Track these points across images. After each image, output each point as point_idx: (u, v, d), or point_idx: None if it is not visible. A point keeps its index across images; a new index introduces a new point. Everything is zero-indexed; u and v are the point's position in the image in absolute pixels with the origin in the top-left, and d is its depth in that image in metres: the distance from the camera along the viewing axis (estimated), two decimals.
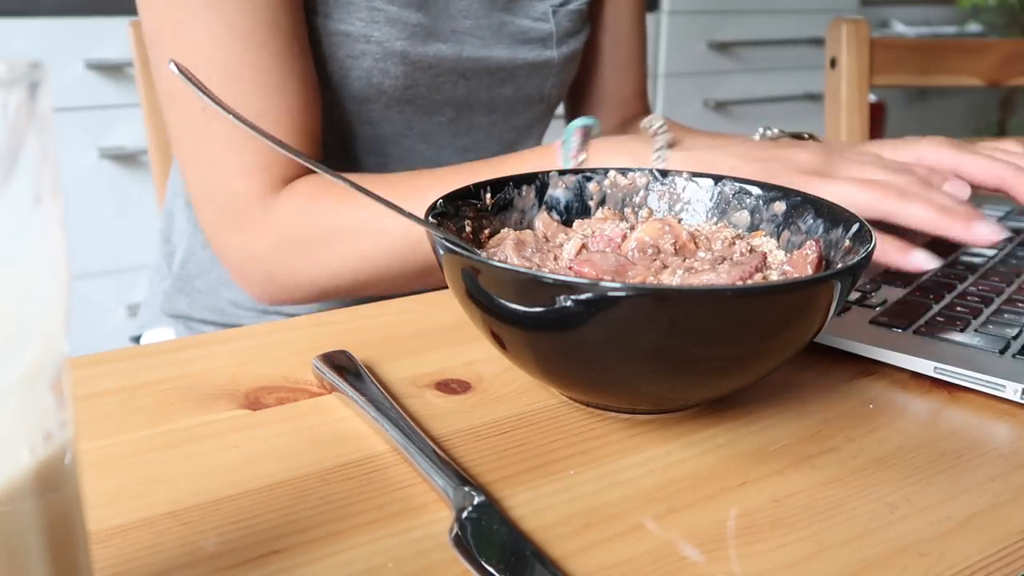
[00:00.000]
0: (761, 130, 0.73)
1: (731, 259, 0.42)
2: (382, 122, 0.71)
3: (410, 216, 0.40)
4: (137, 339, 0.85)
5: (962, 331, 0.47)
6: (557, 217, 0.49)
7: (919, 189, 0.53)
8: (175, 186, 0.82)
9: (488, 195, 0.46)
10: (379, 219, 0.60)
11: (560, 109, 0.94)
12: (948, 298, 0.52)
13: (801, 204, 0.46)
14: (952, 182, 0.56)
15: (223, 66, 0.59)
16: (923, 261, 0.52)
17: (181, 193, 0.80)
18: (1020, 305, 0.50)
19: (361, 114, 0.70)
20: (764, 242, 0.46)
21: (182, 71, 0.34)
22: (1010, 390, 0.41)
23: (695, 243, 0.44)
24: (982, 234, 0.51)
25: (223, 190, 0.62)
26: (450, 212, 0.44)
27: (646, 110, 0.94)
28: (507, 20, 0.73)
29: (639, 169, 0.50)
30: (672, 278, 0.40)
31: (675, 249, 0.43)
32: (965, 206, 0.53)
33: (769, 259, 0.44)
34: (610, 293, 0.32)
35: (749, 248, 0.45)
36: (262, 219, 0.62)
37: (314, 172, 0.64)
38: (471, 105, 0.75)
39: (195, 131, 0.61)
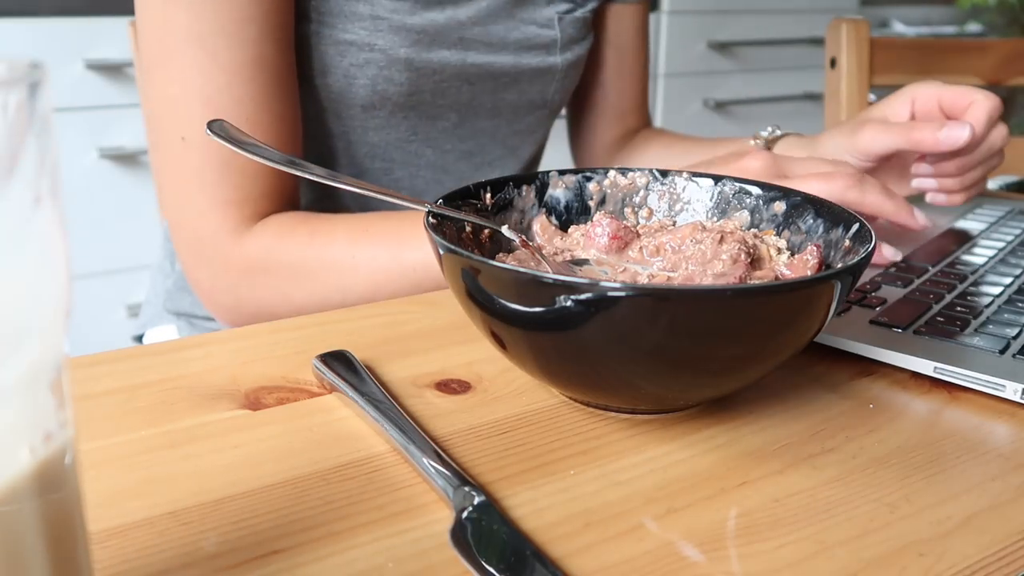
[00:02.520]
0: (770, 129, 0.74)
1: (715, 271, 0.42)
2: (387, 128, 0.72)
3: (414, 204, 0.41)
4: (139, 338, 0.85)
5: (962, 331, 0.47)
6: (556, 221, 0.49)
7: (865, 179, 0.57)
8: None
9: (488, 195, 0.46)
10: (349, 259, 0.61)
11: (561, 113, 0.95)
12: (948, 298, 0.52)
13: (801, 204, 0.46)
14: (950, 124, 0.62)
15: (205, 98, 0.60)
16: (890, 253, 0.58)
17: None
18: (1020, 305, 0.50)
19: (366, 120, 0.71)
20: (775, 241, 0.46)
21: (216, 133, 0.36)
22: (1010, 390, 0.41)
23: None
24: (921, 220, 0.58)
25: (197, 220, 0.62)
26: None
27: (647, 122, 0.94)
28: (513, 27, 0.74)
29: (639, 169, 0.50)
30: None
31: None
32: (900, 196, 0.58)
33: (775, 258, 0.44)
34: (610, 293, 0.32)
35: (744, 251, 0.45)
36: (231, 253, 0.62)
37: (287, 209, 0.65)
38: (475, 110, 0.75)
39: (174, 160, 0.62)
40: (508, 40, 0.74)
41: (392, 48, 0.67)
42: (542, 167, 0.85)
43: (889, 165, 0.71)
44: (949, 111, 0.67)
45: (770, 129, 0.75)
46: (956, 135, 0.61)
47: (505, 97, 0.76)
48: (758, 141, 0.74)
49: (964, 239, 0.64)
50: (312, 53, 0.67)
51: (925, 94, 0.67)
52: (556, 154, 1.00)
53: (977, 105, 0.64)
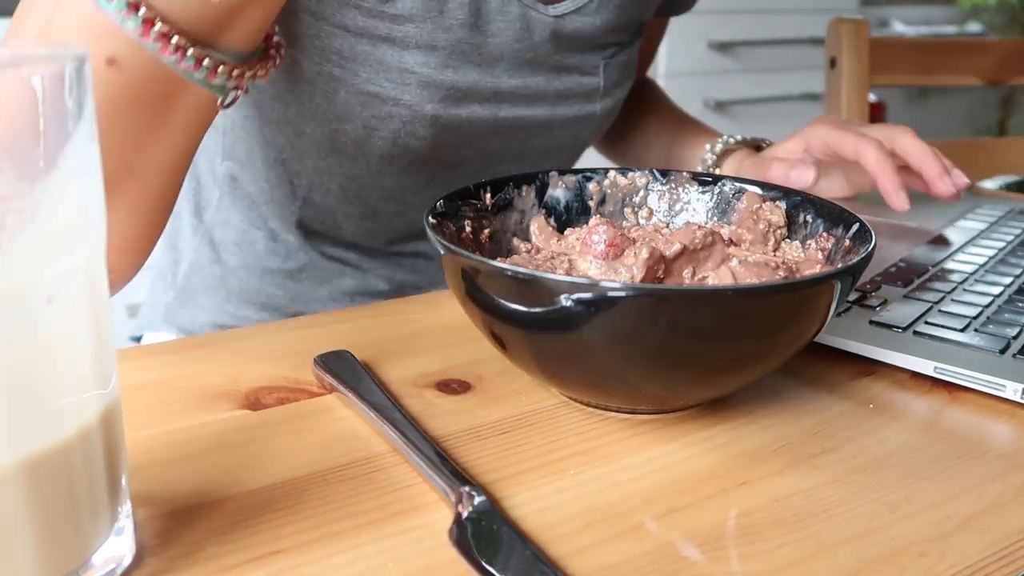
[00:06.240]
0: (725, 137, 0.76)
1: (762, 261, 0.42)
2: (405, 174, 0.67)
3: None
4: (138, 339, 0.85)
5: (962, 331, 0.47)
6: (554, 223, 0.48)
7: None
8: (184, 193, 0.78)
9: (488, 195, 0.46)
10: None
11: None
12: (948, 298, 0.52)
13: (801, 204, 0.46)
14: (799, 167, 0.66)
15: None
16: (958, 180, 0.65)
17: (189, 200, 0.78)
18: (1020, 305, 0.50)
19: (383, 169, 0.66)
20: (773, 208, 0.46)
21: None
22: (1010, 390, 0.41)
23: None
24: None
25: None
26: (450, 212, 0.43)
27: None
28: (554, 78, 0.68)
29: (639, 169, 0.50)
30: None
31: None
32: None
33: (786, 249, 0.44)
34: (610, 293, 0.32)
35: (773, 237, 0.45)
36: None
37: None
38: (500, 156, 0.70)
39: None
40: (547, 91, 0.67)
41: (419, 104, 0.61)
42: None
43: (838, 166, 0.73)
44: (838, 155, 0.68)
45: (726, 137, 0.77)
46: (804, 177, 0.65)
47: (534, 144, 0.71)
48: (713, 153, 0.76)
49: (964, 239, 0.64)
50: (333, 98, 0.61)
51: (815, 136, 0.69)
52: None
53: (863, 157, 0.66)
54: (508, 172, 0.72)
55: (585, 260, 0.43)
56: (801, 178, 0.65)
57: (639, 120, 0.89)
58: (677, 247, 0.41)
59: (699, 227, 0.42)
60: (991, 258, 0.60)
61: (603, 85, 0.71)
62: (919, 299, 0.51)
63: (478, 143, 0.67)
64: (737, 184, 0.48)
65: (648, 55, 0.91)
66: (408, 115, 0.61)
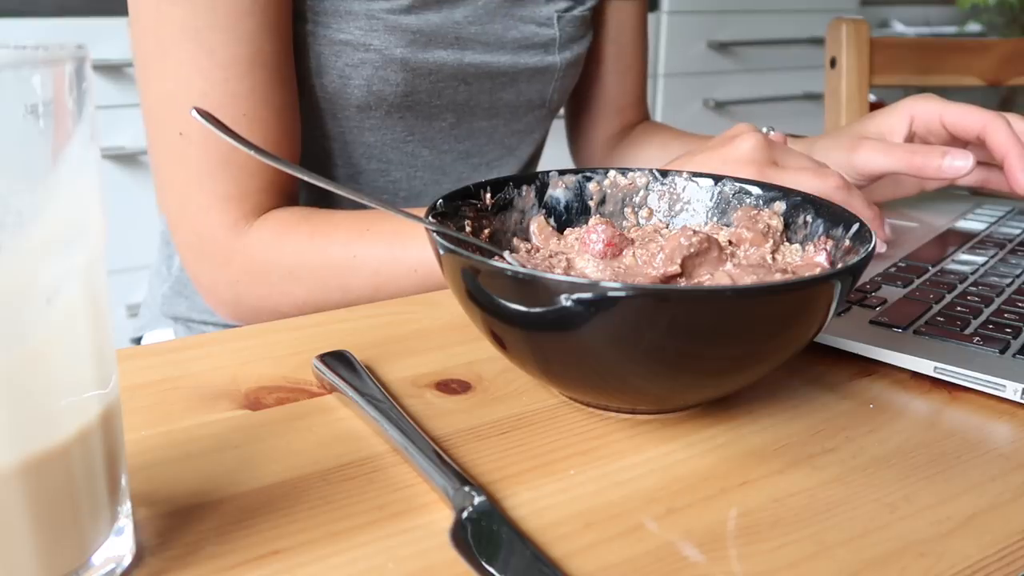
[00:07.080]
0: (765, 129, 0.74)
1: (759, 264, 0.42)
2: (383, 128, 0.72)
3: (412, 217, 0.40)
4: (138, 340, 0.85)
5: (962, 331, 0.47)
6: (554, 223, 0.48)
7: (852, 185, 0.57)
8: None
9: (488, 195, 0.46)
10: (349, 258, 0.61)
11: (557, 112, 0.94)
12: (948, 298, 0.52)
13: (801, 204, 0.46)
14: (953, 152, 0.59)
15: (201, 94, 0.60)
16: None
17: None
18: (1020, 305, 0.50)
19: (362, 121, 0.71)
20: (769, 217, 0.46)
21: (202, 114, 0.36)
22: (1010, 390, 0.41)
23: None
24: (887, 234, 0.61)
25: (197, 216, 0.62)
26: (450, 212, 0.43)
27: (645, 115, 0.94)
28: (511, 26, 0.73)
29: (639, 169, 0.50)
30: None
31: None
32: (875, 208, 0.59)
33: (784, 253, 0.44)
34: (610, 293, 0.32)
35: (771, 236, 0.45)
36: (232, 248, 0.62)
37: (286, 203, 0.65)
38: (472, 110, 0.75)
39: (173, 157, 0.62)
40: (506, 39, 0.73)
41: (387, 48, 0.67)
42: (541, 166, 0.85)
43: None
44: (955, 133, 0.63)
45: (765, 129, 0.75)
46: (959, 166, 0.58)
47: (503, 97, 0.76)
48: None
49: (964, 239, 0.64)
50: (308, 53, 0.67)
51: (925, 112, 0.64)
52: (555, 153, 1.00)
53: (992, 131, 0.61)
54: (481, 129, 0.76)
55: (583, 259, 0.43)
56: (955, 165, 0.58)
57: (650, 136, 0.89)
58: (675, 269, 0.41)
59: (693, 232, 0.42)
60: (991, 258, 0.60)
61: (559, 37, 0.76)
62: (919, 299, 0.51)
63: (448, 92, 0.72)
64: (737, 184, 0.48)
65: (639, 75, 0.91)
66: (379, 60, 0.67)
